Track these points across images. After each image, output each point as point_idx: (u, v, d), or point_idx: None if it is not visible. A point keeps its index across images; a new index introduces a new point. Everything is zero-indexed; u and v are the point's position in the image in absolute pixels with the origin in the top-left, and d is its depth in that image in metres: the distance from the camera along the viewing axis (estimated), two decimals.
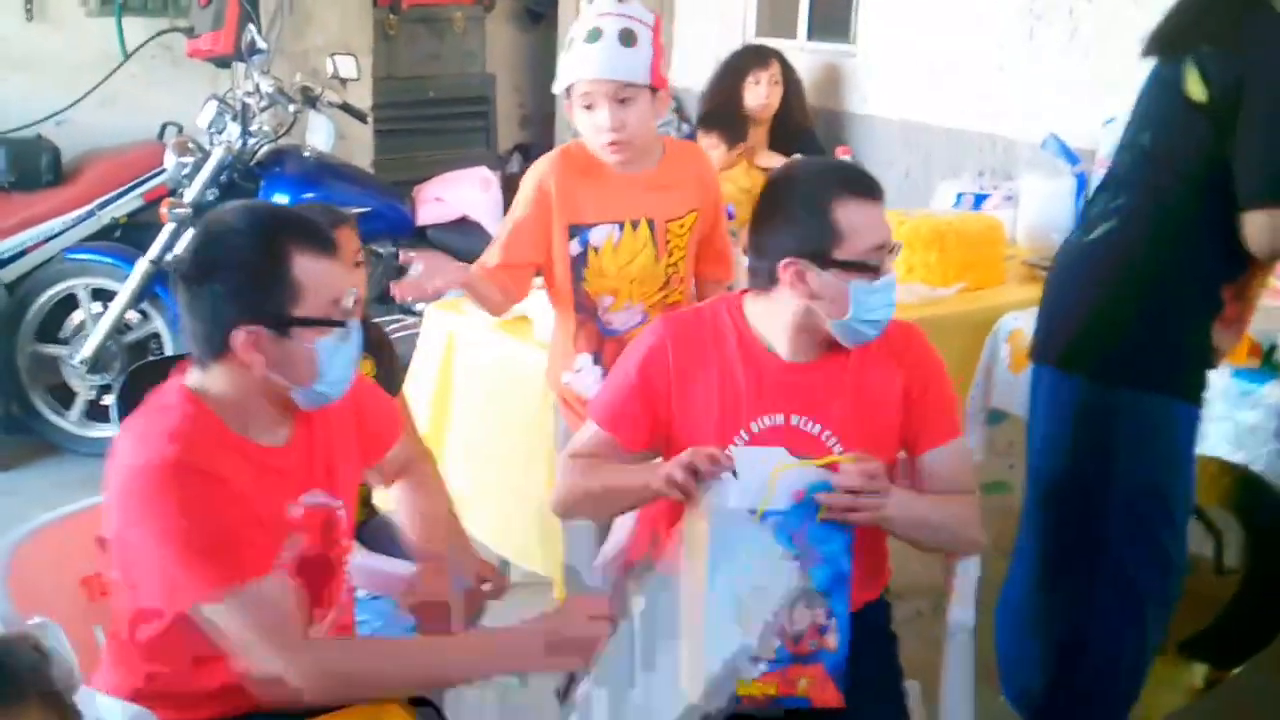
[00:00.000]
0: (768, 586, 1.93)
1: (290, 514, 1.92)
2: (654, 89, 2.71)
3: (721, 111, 4.68)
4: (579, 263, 2.80)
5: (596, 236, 2.78)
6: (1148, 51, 2.51)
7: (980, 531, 2.24)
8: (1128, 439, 2.50)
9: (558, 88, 2.76)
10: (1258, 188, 2.33)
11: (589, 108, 2.70)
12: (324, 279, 1.85)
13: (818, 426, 2.19)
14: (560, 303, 2.88)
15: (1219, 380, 2.96)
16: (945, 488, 2.22)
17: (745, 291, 2.27)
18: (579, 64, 2.69)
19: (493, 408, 3.42)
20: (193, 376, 1.90)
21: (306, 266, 1.83)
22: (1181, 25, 2.46)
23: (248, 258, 1.82)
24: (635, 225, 2.79)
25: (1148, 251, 2.48)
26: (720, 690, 1.84)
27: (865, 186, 2.14)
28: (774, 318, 2.20)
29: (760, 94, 4.66)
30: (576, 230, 2.79)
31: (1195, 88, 2.39)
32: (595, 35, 2.66)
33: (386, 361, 2.86)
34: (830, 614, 2.04)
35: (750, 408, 2.19)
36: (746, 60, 4.75)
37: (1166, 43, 2.48)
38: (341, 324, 1.88)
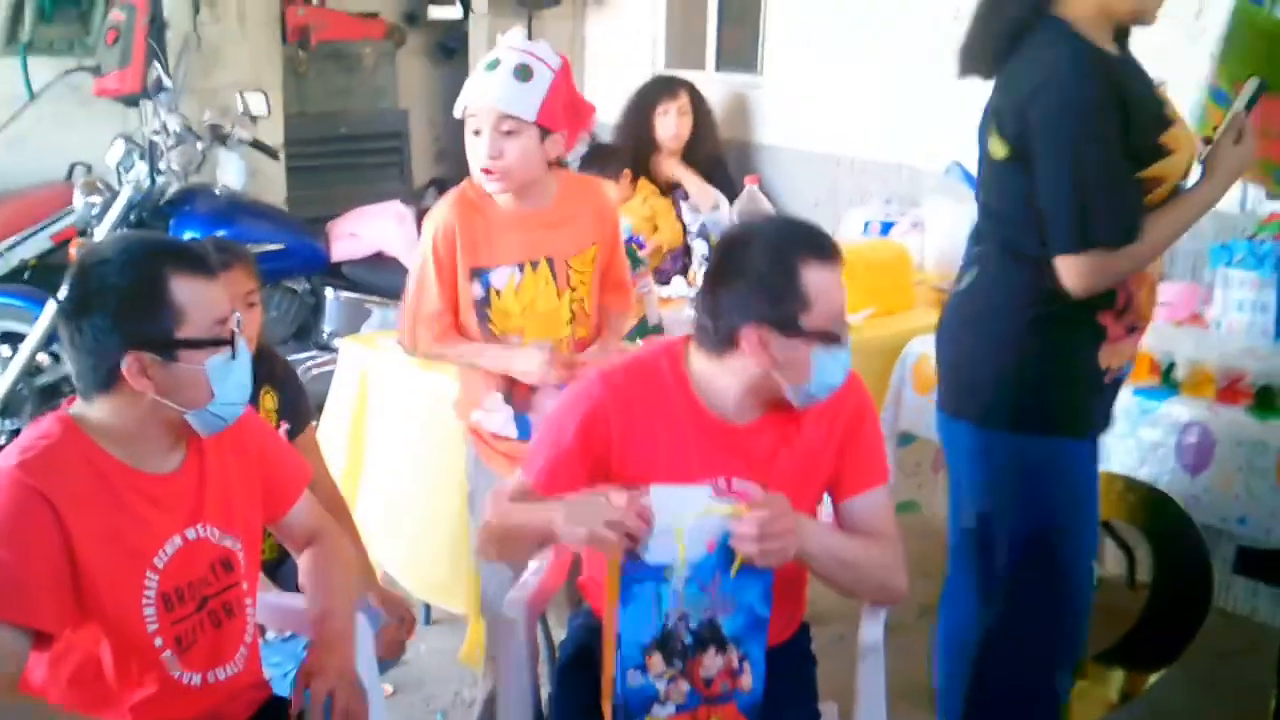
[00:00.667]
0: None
1: (170, 545, 1.91)
2: (546, 129, 2.74)
3: (635, 145, 4.72)
4: (482, 305, 2.83)
5: (498, 279, 2.81)
6: (962, 73, 2.56)
7: (903, 578, 2.21)
8: (1016, 481, 2.53)
9: (457, 111, 2.82)
10: (1056, 238, 2.36)
11: (476, 133, 2.76)
12: (204, 299, 1.86)
13: (757, 487, 2.15)
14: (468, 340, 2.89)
15: (1120, 398, 3.04)
16: (868, 532, 2.20)
17: (686, 339, 2.21)
18: (472, 90, 2.77)
19: (405, 442, 3.42)
20: (76, 406, 1.91)
21: (185, 289, 1.84)
22: (972, 50, 2.51)
23: (125, 286, 1.82)
24: (535, 265, 2.82)
25: (1004, 296, 2.50)
26: None
27: (829, 249, 2.09)
28: (725, 379, 2.14)
29: (670, 124, 4.70)
30: (477, 273, 2.81)
31: (996, 146, 2.45)
32: (493, 65, 2.74)
33: (291, 395, 2.85)
34: (744, 658, 2.05)
35: (694, 470, 2.13)
36: (656, 91, 4.80)
37: (968, 65, 2.54)
38: (228, 342, 1.88)
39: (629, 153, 4.63)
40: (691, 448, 2.15)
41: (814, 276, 2.05)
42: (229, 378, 1.89)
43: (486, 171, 2.74)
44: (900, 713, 2.37)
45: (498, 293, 2.82)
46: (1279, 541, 2.77)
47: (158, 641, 1.90)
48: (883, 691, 2.26)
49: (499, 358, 2.84)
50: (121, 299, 1.82)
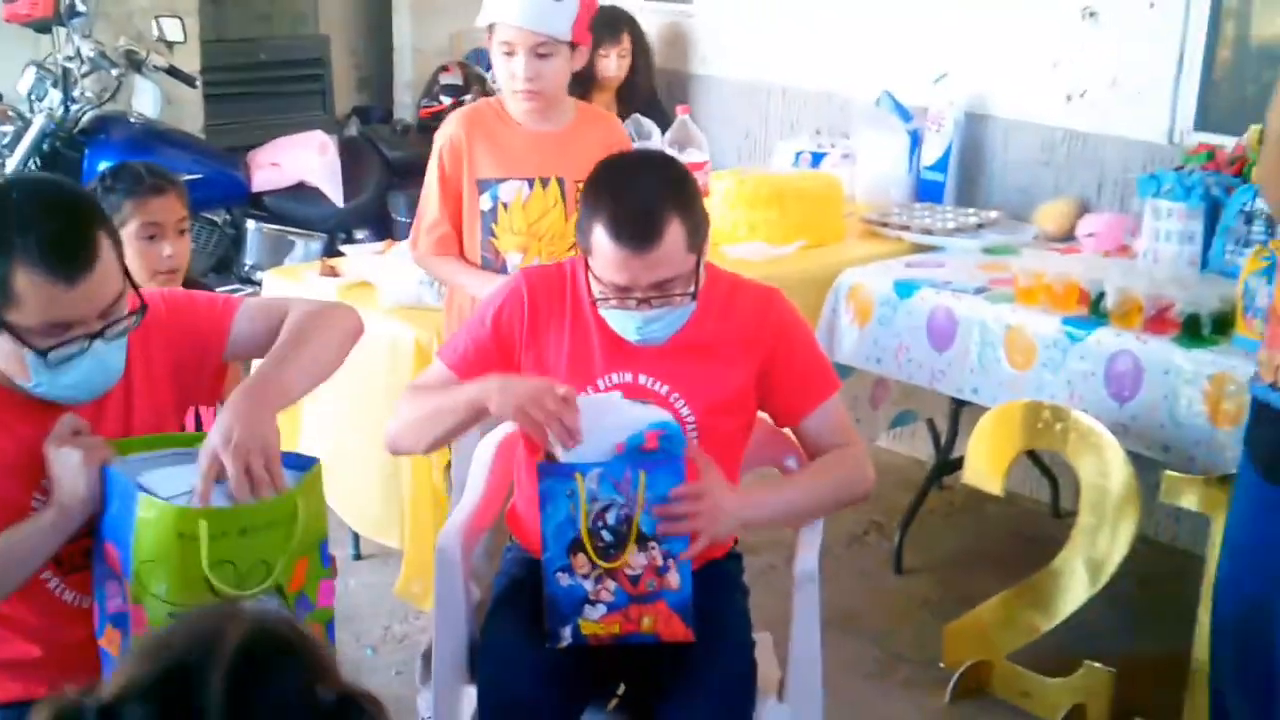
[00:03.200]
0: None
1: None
2: (574, 45, 2.74)
3: (574, 78, 4.64)
4: (489, 218, 2.83)
5: (506, 192, 2.82)
6: None
7: (869, 470, 2.26)
8: None
9: (482, 21, 2.77)
10: None
11: (509, 54, 2.73)
12: (43, 299, 1.69)
13: (665, 386, 2.20)
14: (468, 253, 2.90)
15: (1049, 328, 3.06)
16: (827, 447, 2.25)
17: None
18: (505, 5, 2.71)
19: (340, 376, 3.35)
20: None
21: (26, 282, 1.68)
22: None
23: None
24: (545, 183, 2.83)
25: None
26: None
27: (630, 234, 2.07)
28: None
29: (610, 65, 4.66)
30: (486, 185, 2.82)
31: None
32: None
33: None
34: (667, 555, 2.08)
35: (600, 364, 2.20)
36: (599, 33, 4.72)
37: None
38: (41, 352, 1.72)
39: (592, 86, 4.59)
40: (600, 341, 2.20)
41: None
42: (53, 377, 1.76)
43: (526, 93, 2.75)
44: (829, 640, 2.38)
45: (505, 206, 2.82)
46: (1202, 470, 2.81)
47: (44, 573, 1.83)
48: (817, 620, 2.27)
49: (476, 283, 2.82)
50: None
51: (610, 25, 4.74)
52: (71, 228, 1.72)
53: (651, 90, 4.81)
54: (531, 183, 2.82)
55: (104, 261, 1.73)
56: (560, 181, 2.84)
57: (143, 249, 2.67)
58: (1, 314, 1.71)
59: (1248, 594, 2.37)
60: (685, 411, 2.19)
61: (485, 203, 2.83)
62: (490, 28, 2.76)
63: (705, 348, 2.21)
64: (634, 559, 2.07)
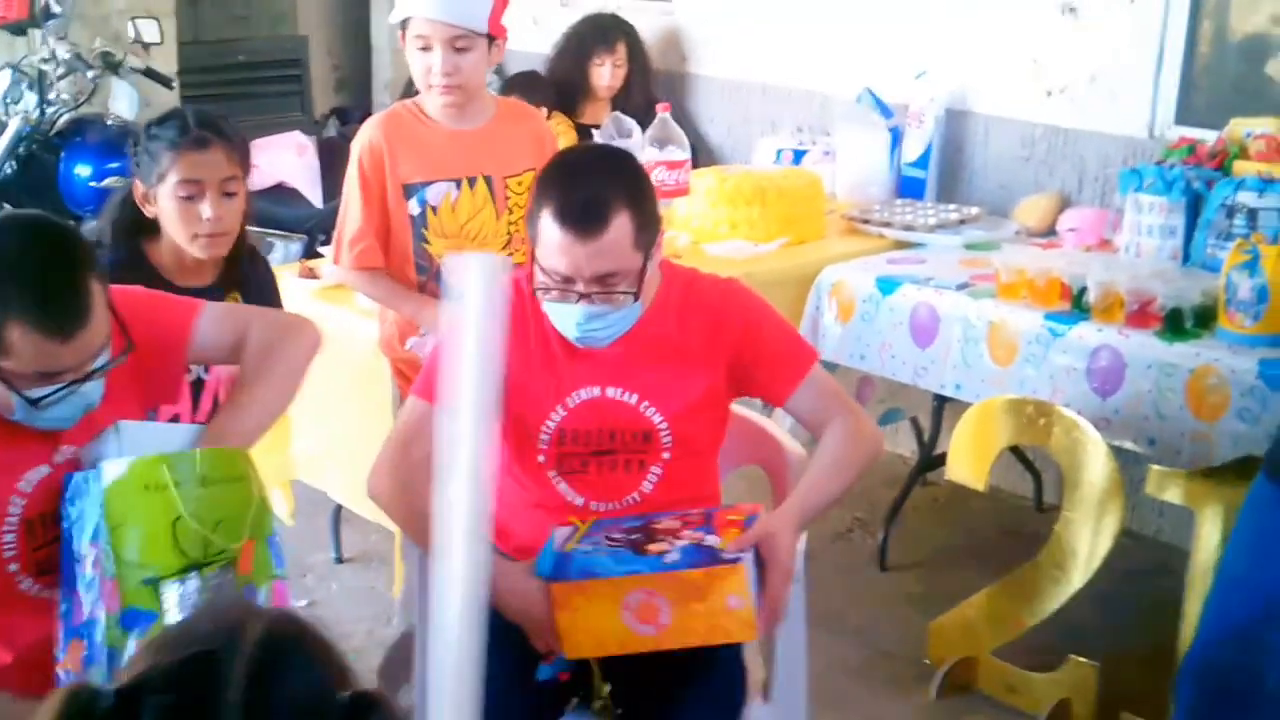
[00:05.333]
0: None
1: (35, 473, 1.83)
2: (492, 38, 2.68)
3: (567, 85, 4.65)
4: (419, 223, 2.76)
5: (434, 195, 2.75)
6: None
7: (871, 429, 2.25)
8: None
9: (395, 18, 2.72)
10: None
11: (425, 49, 2.66)
12: (34, 352, 1.69)
13: (634, 396, 2.18)
14: (397, 267, 2.82)
15: (1031, 324, 3.06)
16: (820, 420, 2.22)
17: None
18: None
19: (326, 375, 3.34)
20: None
21: (19, 334, 1.68)
22: None
23: None
24: (472, 183, 2.76)
25: None
26: None
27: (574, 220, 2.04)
28: None
29: (605, 74, 4.63)
30: (412, 189, 2.75)
31: None
32: None
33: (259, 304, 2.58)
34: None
35: (567, 382, 2.17)
36: (593, 41, 4.68)
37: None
38: (28, 400, 1.73)
39: (554, 90, 4.58)
40: (563, 357, 2.17)
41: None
42: (36, 414, 1.76)
43: (445, 89, 2.68)
44: (815, 638, 2.38)
45: (434, 210, 2.75)
46: (1187, 463, 2.81)
47: (12, 567, 1.84)
48: (802, 618, 2.26)
49: (411, 308, 2.77)
50: None
51: (604, 33, 4.69)
52: (68, 281, 1.71)
53: (649, 101, 4.76)
54: (459, 184, 2.76)
55: (96, 311, 1.74)
56: (488, 180, 2.78)
57: (181, 208, 2.41)
58: None
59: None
60: (657, 419, 2.18)
61: (413, 208, 2.75)
62: (404, 23, 2.70)
63: (669, 351, 2.18)
64: None
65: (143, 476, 1.69)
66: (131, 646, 1.62)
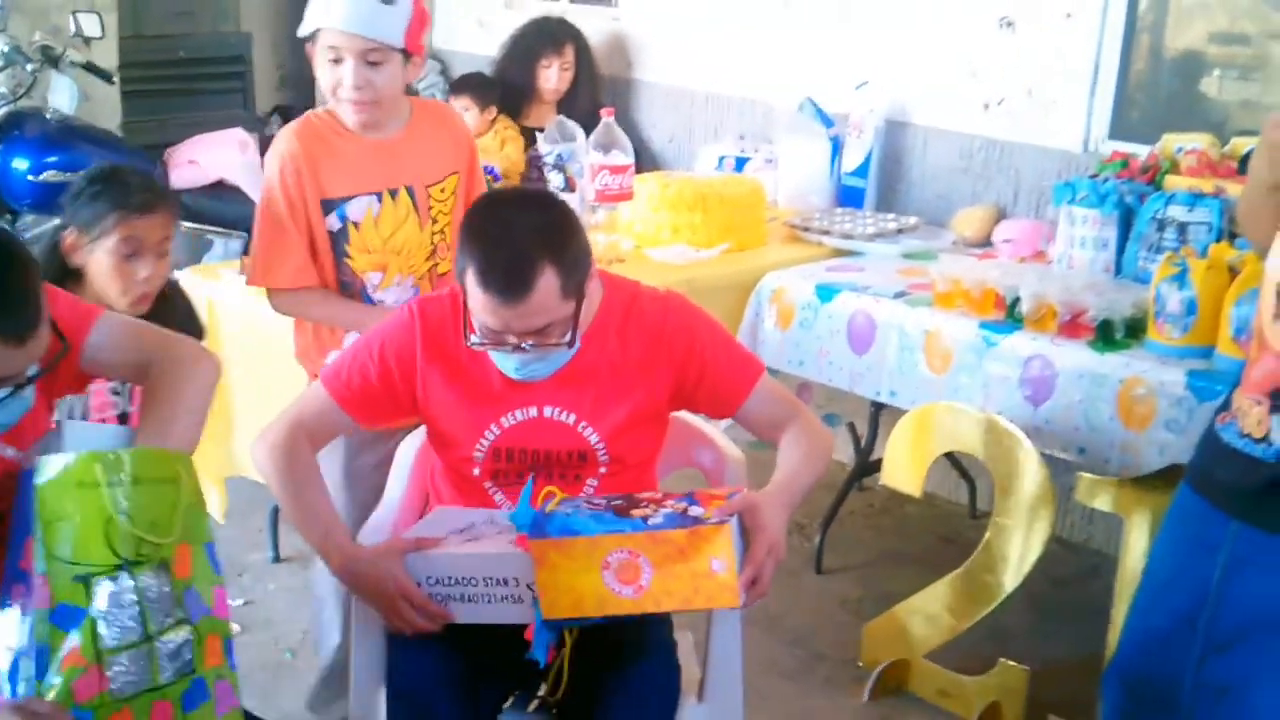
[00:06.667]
0: None
1: None
2: (407, 53, 2.59)
3: (512, 88, 4.66)
4: (340, 239, 2.66)
5: (355, 210, 2.65)
6: None
7: (824, 434, 2.27)
8: None
9: (304, 30, 2.62)
10: None
11: (336, 61, 2.57)
12: None
13: (571, 416, 2.18)
14: (321, 281, 2.71)
15: (966, 332, 3.11)
16: (773, 425, 2.23)
17: None
18: (329, 10, 2.54)
19: (259, 376, 3.33)
20: None
21: None
22: None
23: None
24: (394, 194, 2.67)
25: None
26: None
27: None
28: None
29: (551, 77, 4.66)
30: (331, 204, 2.64)
31: None
32: None
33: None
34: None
35: (502, 401, 2.17)
36: (541, 44, 4.70)
37: None
38: None
39: (499, 92, 4.60)
40: (496, 390, 2.17)
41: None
42: None
43: (356, 104, 2.58)
44: (750, 639, 2.40)
45: (355, 225, 2.65)
46: (1116, 471, 2.86)
47: None
48: (737, 620, 2.27)
49: (357, 318, 2.65)
50: None
51: (552, 36, 4.72)
52: (19, 288, 1.68)
53: (594, 105, 4.78)
54: (380, 196, 2.65)
55: (44, 316, 1.72)
56: (410, 190, 2.68)
57: (119, 266, 2.44)
58: None
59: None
60: (594, 439, 2.18)
61: (333, 223, 2.64)
62: (313, 35, 2.60)
63: (609, 370, 2.18)
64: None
65: (76, 474, 1.69)
66: (65, 644, 1.61)
